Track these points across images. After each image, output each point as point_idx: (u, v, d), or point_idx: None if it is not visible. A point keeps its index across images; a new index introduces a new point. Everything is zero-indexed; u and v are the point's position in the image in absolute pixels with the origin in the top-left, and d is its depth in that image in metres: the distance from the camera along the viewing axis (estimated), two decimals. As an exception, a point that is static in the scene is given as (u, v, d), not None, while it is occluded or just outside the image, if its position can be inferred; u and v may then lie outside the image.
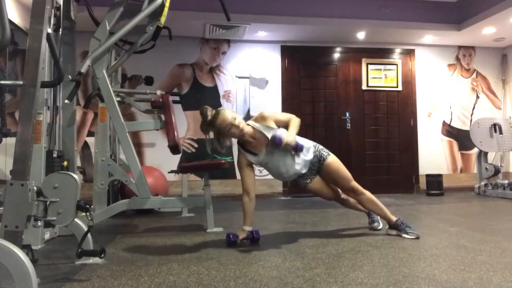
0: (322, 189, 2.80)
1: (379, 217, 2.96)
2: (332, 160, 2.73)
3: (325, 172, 2.74)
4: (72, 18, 3.09)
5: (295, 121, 2.62)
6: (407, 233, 2.67)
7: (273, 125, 2.61)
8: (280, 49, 5.71)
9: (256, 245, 2.58)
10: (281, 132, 2.54)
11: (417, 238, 2.62)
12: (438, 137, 6.03)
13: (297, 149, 2.59)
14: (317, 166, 2.73)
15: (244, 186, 2.63)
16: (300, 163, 2.66)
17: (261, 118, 2.63)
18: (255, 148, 2.63)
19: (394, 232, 2.74)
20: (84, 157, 4.96)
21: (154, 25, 3.08)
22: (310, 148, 2.71)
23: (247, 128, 2.59)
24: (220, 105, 5.49)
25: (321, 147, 2.78)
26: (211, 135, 2.67)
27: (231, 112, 2.60)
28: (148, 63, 5.03)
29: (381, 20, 5.28)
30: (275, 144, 2.52)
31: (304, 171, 2.70)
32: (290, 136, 2.52)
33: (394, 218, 2.75)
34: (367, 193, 2.78)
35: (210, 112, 2.61)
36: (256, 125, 2.62)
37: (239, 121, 2.56)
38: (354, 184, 2.75)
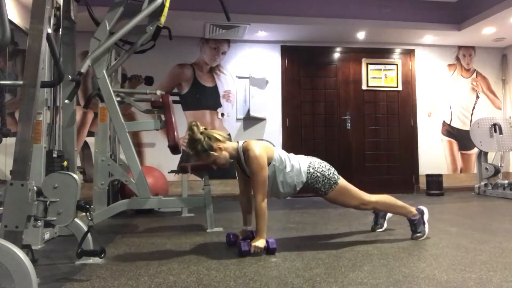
0: None
1: (384, 220, 2.94)
2: (332, 196, 2.53)
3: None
4: (72, 18, 3.09)
5: (260, 216, 2.35)
6: (413, 234, 2.63)
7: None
8: (280, 49, 5.71)
9: (256, 245, 2.57)
10: (246, 243, 2.29)
11: (416, 239, 2.62)
12: (438, 137, 6.03)
13: (269, 250, 2.30)
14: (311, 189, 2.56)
15: (240, 188, 2.66)
16: (285, 193, 2.56)
17: (246, 151, 2.40)
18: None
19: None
20: (84, 157, 4.96)
21: (154, 25, 3.08)
22: (302, 182, 2.50)
23: (223, 155, 2.41)
24: (220, 105, 5.49)
25: (320, 184, 2.49)
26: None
27: (207, 142, 2.37)
28: (148, 63, 5.03)
29: (381, 20, 5.28)
30: (241, 253, 2.25)
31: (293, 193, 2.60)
32: (258, 241, 2.29)
33: (411, 213, 2.65)
34: (378, 203, 2.63)
35: (197, 129, 2.40)
36: (241, 154, 2.44)
37: (214, 151, 2.39)
38: (363, 206, 2.58)
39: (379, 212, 2.93)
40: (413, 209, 2.67)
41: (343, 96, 5.84)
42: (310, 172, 2.50)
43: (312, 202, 4.70)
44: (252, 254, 2.26)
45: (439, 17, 5.41)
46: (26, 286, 1.44)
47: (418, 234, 2.62)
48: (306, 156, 2.62)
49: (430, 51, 6.08)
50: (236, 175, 2.69)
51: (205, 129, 2.44)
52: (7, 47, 3.03)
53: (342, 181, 2.55)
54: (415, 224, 2.64)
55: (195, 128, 2.38)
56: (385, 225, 2.95)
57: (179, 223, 3.55)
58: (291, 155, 2.57)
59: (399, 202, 2.69)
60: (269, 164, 2.41)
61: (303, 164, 2.51)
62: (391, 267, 1.99)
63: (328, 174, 2.52)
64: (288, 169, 2.46)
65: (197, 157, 2.44)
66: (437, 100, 6.06)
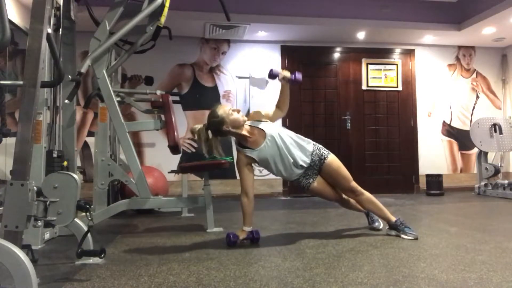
0: (324, 190, 2.78)
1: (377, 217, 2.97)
2: (332, 159, 2.74)
3: (326, 172, 2.73)
4: (72, 18, 3.09)
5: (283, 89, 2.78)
6: (405, 234, 2.66)
7: (265, 119, 2.75)
8: (280, 49, 5.71)
9: (256, 245, 2.58)
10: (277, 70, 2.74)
11: (416, 239, 2.62)
12: (438, 137, 6.03)
13: (295, 79, 2.70)
14: (318, 165, 2.72)
15: (243, 186, 2.62)
16: (297, 152, 2.65)
17: (254, 115, 2.77)
18: (252, 144, 2.63)
19: (393, 232, 2.74)
20: (84, 157, 4.97)
21: (154, 25, 3.08)
22: (309, 143, 2.75)
23: (245, 117, 2.68)
24: (220, 105, 5.49)
25: (320, 146, 2.79)
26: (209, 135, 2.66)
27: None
28: (148, 63, 5.03)
29: (381, 20, 5.28)
30: (272, 76, 2.71)
31: (302, 163, 2.66)
32: (285, 71, 2.71)
33: (393, 219, 2.74)
34: (366, 194, 2.77)
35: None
36: (249, 122, 2.71)
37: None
38: (354, 184, 2.75)
39: (368, 212, 2.96)
40: (393, 217, 2.76)
41: (343, 96, 5.84)
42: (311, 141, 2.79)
43: (312, 202, 4.70)
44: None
45: (439, 17, 5.41)
46: (26, 286, 1.44)
47: (411, 232, 2.66)
48: None
49: (430, 51, 6.08)
50: (241, 173, 2.64)
51: None
52: (7, 47, 3.03)
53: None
54: (398, 226, 2.72)
55: None
56: (381, 223, 2.95)
57: (179, 223, 3.55)
58: None
59: (382, 206, 2.81)
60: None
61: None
62: (391, 267, 2.00)
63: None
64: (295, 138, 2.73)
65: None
66: (437, 100, 6.06)
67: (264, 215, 3.84)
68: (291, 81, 2.72)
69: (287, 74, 2.72)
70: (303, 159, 2.67)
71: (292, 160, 2.64)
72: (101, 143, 3.58)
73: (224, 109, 2.62)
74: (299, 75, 2.71)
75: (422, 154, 5.95)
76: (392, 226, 2.74)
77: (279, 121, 5.51)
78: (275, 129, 2.67)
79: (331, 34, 5.50)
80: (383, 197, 4.97)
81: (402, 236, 2.67)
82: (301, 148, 2.69)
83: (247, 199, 2.60)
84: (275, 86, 5.64)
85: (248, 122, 2.69)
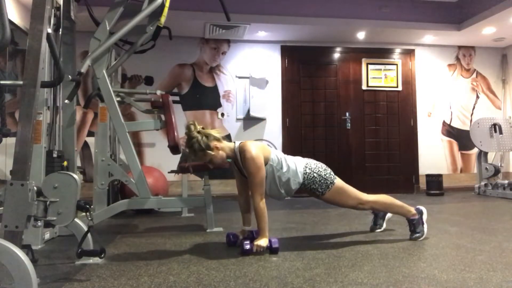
0: None
1: (383, 221, 2.93)
2: (329, 196, 2.52)
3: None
4: (72, 18, 3.09)
5: (260, 216, 2.37)
6: (412, 233, 2.62)
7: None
8: (280, 49, 5.71)
9: (256, 245, 2.57)
10: (248, 242, 2.32)
11: (414, 240, 2.59)
12: (438, 137, 6.03)
13: (272, 250, 2.33)
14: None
15: (238, 188, 2.65)
16: (284, 193, 2.56)
17: (242, 151, 2.39)
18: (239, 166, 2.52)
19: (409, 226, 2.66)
20: (84, 157, 4.96)
21: (154, 25, 3.08)
22: (295, 182, 2.50)
23: (220, 154, 2.42)
24: (220, 105, 5.50)
25: (316, 185, 2.48)
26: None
27: (204, 140, 2.38)
28: (148, 63, 5.03)
29: (381, 20, 5.28)
30: (244, 253, 2.28)
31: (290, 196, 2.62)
32: (260, 241, 2.32)
33: (410, 214, 2.63)
34: (377, 203, 2.61)
35: (194, 128, 2.42)
36: (238, 154, 2.44)
37: (211, 150, 2.40)
38: (360, 206, 2.56)
39: (378, 213, 2.92)
40: (412, 209, 2.66)
41: (343, 96, 5.84)
42: (306, 172, 2.49)
43: (312, 202, 4.69)
44: (254, 253, 2.26)
45: (439, 17, 5.41)
46: (26, 286, 1.44)
47: (417, 234, 2.61)
48: (302, 158, 2.62)
49: (430, 51, 6.08)
50: (234, 173, 2.68)
51: (203, 128, 2.45)
52: (7, 47, 3.03)
53: (338, 181, 2.55)
54: (414, 224, 2.63)
55: (192, 127, 2.41)
56: (384, 225, 2.94)
57: (179, 223, 3.55)
58: (288, 156, 2.57)
59: (398, 202, 2.67)
60: (266, 164, 2.42)
61: (299, 165, 2.51)
62: (391, 267, 1.99)
63: (325, 175, 2.51)
64: (284, 169, 2.46)
65: (194, 156, 2.44)
66: (437, 100, 6.06)
67: (264, 215, 3.83)
68: (269, 249, 2.34)
69: (263, 243, 2.32)
70: (283, 196, 2.58)
71: (275, 194, 2.57)
72: (101, 143, 3.58)
73: (194, 149, 2.40)
74: (274, 241, 2.34)
75: (422, 154, 5.95)
76: (407, 221, 2.66)
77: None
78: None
79: (331, 34, 5.50)
80: (383, 197, 4.97)
81: (413, 235, 2.61)
82: (280, 192, 2.52)
83: (242, 199, 2.64)
84: (275, 86, 5.65)
85: (237, 152, 2.44)
